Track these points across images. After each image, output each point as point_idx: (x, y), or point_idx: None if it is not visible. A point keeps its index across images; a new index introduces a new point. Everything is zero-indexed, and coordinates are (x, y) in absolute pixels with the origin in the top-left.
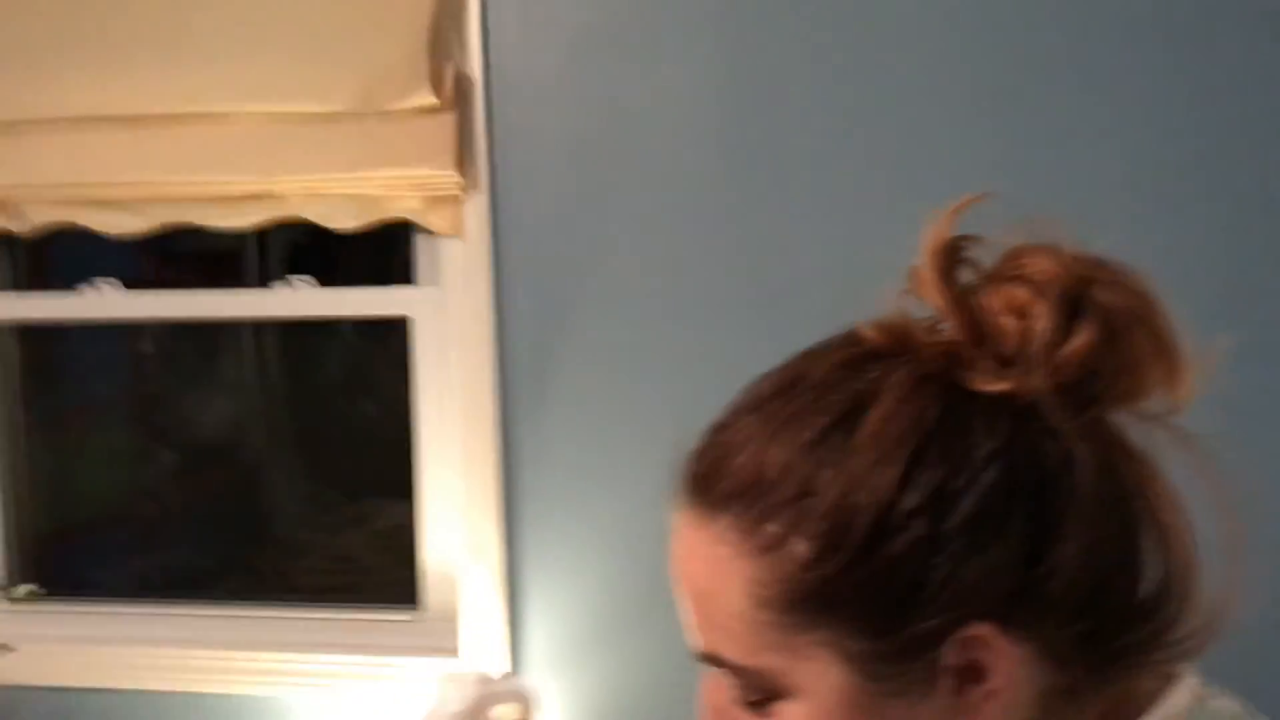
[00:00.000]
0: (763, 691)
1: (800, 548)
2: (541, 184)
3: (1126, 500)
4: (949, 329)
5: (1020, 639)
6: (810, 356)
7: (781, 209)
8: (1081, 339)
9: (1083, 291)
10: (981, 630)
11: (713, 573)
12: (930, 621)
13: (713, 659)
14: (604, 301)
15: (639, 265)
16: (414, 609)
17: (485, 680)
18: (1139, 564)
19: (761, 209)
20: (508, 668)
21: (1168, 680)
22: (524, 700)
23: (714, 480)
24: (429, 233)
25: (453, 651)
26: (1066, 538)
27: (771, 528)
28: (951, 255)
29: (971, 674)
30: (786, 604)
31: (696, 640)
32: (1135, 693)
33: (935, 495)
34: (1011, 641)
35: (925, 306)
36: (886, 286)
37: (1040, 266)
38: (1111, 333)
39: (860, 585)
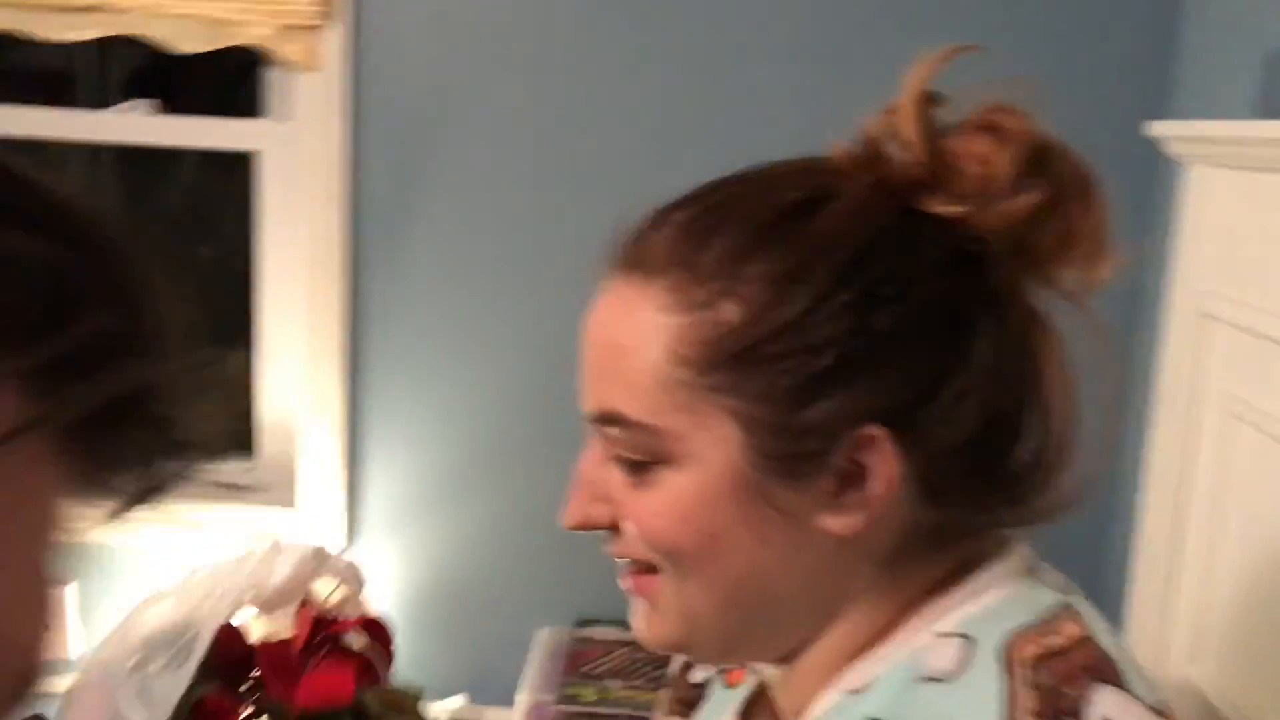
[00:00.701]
0: (651, 454)
1: (730, 311)
2: (408, 19)
3: (1030, 359)
4: (912, 163)
5: (906, 454)
6: (773, 163)
7: (651, 75)
8: (1034, 194)
9: (1044, 155)
10: (876, 431)
11: (635, 326)
12: (836, 407)
13: (608, 417)
14: (466, 152)
15: (508, 113)
16: (249, 457)
17: (319, 554)
18: (1024, 423)
19: (638, 69)
20: (343, 522)
21: (1001, 546)
22: (352, 578)
23: (657, 247)
24: (281, 64)
25: (289, 504)
26: (975, 370)
27: (705, 289)
28: (929, 98)
29: (853, 477)
30: (704, 363)
31: (595, 400)
32: (978, 554)
33: (871, 292)
34: (898, 454)
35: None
36: (861, 115)
37: (1012, 122)
38: (1060, 197)
39: (779, 357)
